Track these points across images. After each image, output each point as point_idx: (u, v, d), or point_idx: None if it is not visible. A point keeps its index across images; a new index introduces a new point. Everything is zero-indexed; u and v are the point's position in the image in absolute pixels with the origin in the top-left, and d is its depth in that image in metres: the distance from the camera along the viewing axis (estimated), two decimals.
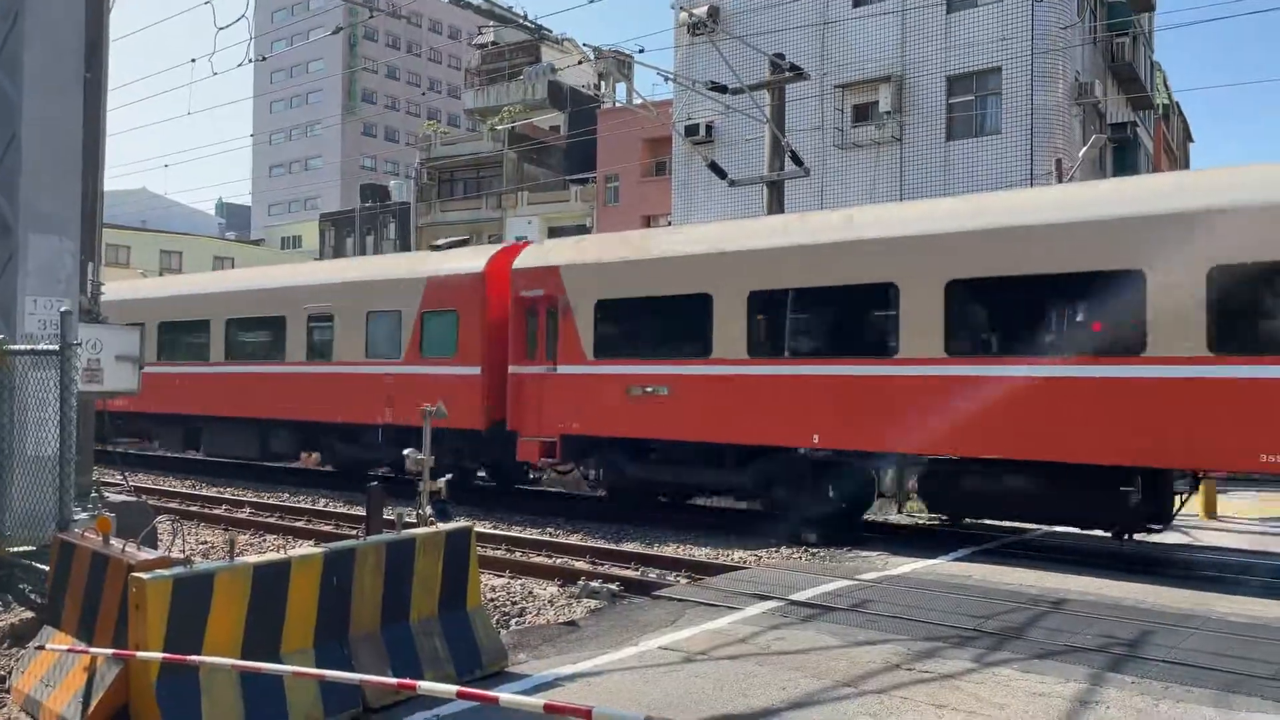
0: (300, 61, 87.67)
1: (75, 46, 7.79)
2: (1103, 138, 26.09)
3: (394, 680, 4.23)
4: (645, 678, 6.39)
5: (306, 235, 68.38)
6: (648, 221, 39.07)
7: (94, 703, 5.25)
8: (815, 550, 11.67)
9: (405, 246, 48.57)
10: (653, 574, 10.69)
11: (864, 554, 11.25)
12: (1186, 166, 46.88)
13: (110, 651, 5.20)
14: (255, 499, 16.65)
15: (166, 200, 74.88)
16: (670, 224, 32.70)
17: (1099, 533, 12.01)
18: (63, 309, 6.42)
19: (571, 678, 6.37)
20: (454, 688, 4.02)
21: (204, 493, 17.58)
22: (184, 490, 17.89)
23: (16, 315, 7.29)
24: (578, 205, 44.49)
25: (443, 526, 7.03)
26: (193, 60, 16.76)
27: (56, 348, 6.47)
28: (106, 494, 9.20)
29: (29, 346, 6.80)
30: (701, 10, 29.55)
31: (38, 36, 7.48)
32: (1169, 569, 10.63)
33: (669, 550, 12.09)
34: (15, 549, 6.91)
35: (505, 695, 3.73)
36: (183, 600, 5.26)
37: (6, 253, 7.44)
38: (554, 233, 43.14)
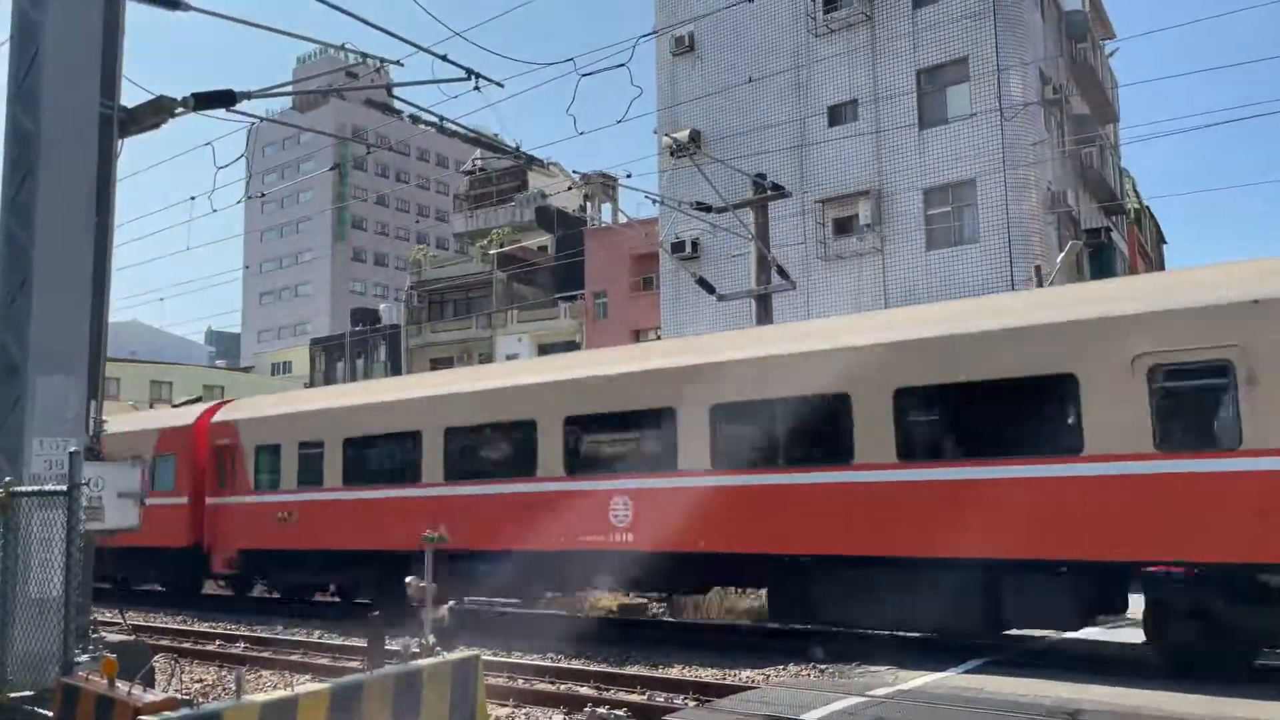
0: (291, 192, 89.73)
1: (86, 194, 8.05)
2: (1079, 244, 26.80)
3: None
4: None
5: (296, 361, 68.76)
6: (637, 335, 39.53)
7: None
8: (824, 667, 11.47)
9: (396, 369, 48.85)
10: (660, 697, 10.48)
11: (873, 669, 11.06)
12: (1162, 268, 47.99)
13: None
14: (248, 633, 16.32)
15: (155, 330, 75.50)
16: (659, 337, 33.11)
17: (1115, 638, 11.94)
18: (70, 449, 6.47)
19: None
20: None
21: (196, 628, 17.23)
22: (175, 626, 17.53)
23: (23, 456, 7.33)
24: (567, 322, 45.05)
25: (448, 656, 6.95)
26: (192, 198, 17.26)
27: (63, 488, 6.48)
28: (104, 633, 9.06)
29: (35, 488, 6.81)
30: (683, 135, 30.60)
31: (51, 185, 7.74)
32: (1185, 673, 10.48)
33: (675, 672, 11.85)
34: (16, 694, 6.77)
35: None
36: None
37: (14, 394, 7.53)
38: (544, 350, 43.53)
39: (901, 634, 14.09)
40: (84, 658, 6.79)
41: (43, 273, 7.58)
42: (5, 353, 7.76)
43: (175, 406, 24.21)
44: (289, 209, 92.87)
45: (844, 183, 28.91)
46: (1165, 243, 52.32)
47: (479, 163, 56.77)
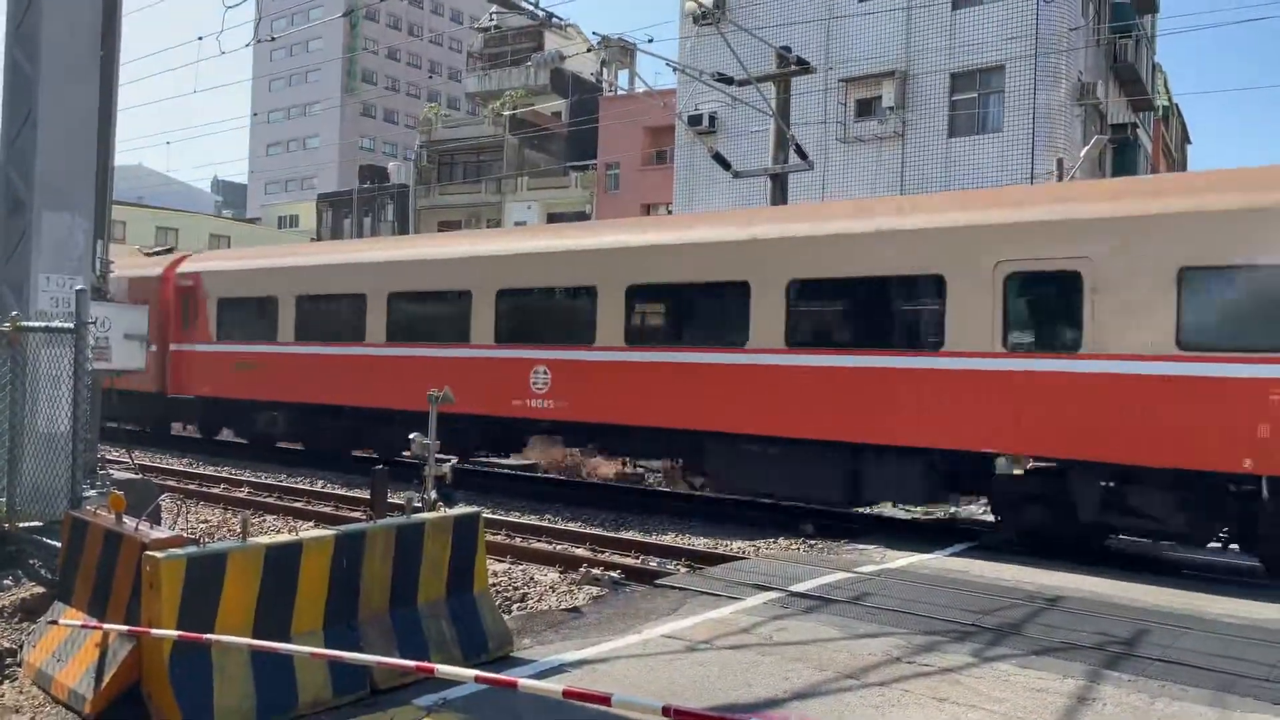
0: (301, 40, 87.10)
1: (92, 23, 7.79)
2: (1104, 138, 26.17)
3: (413, 663, 4.29)
4: (650, 665, 6.47)
5: (304, 215, 68.13)
6: (648, 209, 39.03)
7: (106, 678, 5.30)
8: (813, 542, 11.76)
9: (404, 229, 48.47)
10: (653, 562, 10.78)
11: (861, 547, 11.34)
12: (1184, 168, 47.03)
13: (124, 628, 5.24)
14: (252, 479, 16.67)
15: (162, 176, 74.58)
16: (670, 212, 32.69)
17: None
18: (78, 287, 6.44)
19: (577, 664, 6.44)
20: (472, 671, 4.08)
21: (201, 471, 17.61)
22: (182, 469, 17.91)
23: (29, 292, 7.31)
24: (577, 192, 44.44)
25: (451, 511, 7.08)
26: (200, 38, 16.70)
27: (71, 325, 6.48)
28: (111, 471, 9.23)
29: (43, 323, 6.81)
30: (708, 0, 29.46)
31: (55, 13, 7.48)
32: (1160, 569, 10.75)
33: (668, 539, 12.16)
34: (25, 524, 6.94)
35: (524, 680, 3.79)
36: (196, 579, 5.29)
37: (20, 229, 7.46)
38: (553, 218, 43.08)
39: (889, 516, 14.40)
40: (91, 493, 6.93)
41: (48, 105, 7.40)
42: (10, 186, 7.65)
43: (148, 255, 24.65)
44: (298, 57, 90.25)
45: (869, 62, 28.02)
46: (1190, 143, 51.13)
47: (494, 20, 54.94)
